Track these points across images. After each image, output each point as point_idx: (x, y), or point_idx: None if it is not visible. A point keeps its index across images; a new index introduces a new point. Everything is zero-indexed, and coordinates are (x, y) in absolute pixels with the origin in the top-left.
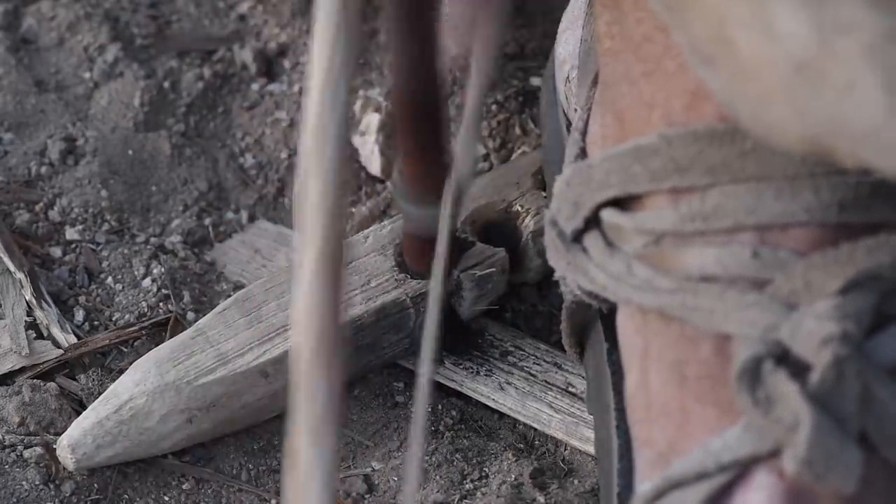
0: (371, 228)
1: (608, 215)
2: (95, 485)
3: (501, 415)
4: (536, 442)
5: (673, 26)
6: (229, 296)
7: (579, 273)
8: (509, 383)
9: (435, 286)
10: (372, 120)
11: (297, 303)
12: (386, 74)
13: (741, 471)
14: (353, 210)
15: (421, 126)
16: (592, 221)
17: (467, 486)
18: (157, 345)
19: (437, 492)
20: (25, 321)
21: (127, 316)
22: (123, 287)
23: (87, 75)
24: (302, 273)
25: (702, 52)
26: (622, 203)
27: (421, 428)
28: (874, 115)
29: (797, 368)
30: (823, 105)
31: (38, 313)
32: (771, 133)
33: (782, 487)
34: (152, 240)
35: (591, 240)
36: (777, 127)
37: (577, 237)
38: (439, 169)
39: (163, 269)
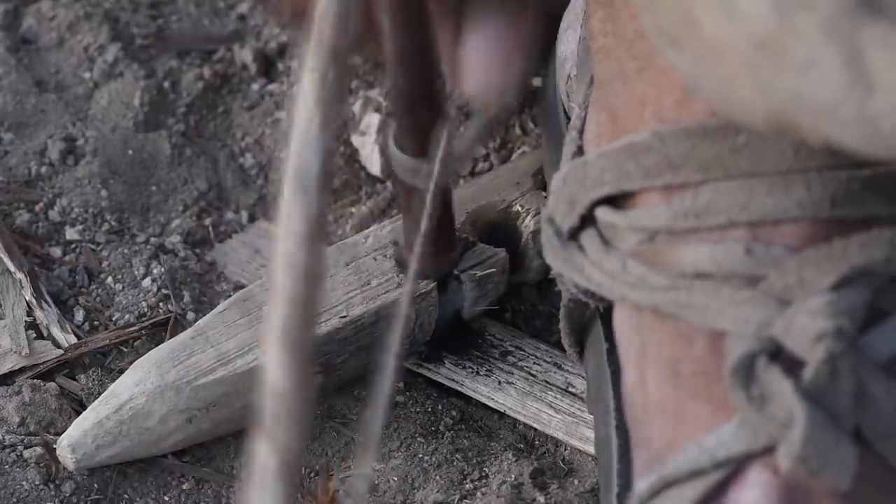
0: (371, 228)
1: (603, 213)
2: (95, 485)
3: (501, 415)
4: (536, 442)
5: (641, 9)
6: (229, 296)
7: (575, 271)
8: (509, 383)
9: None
10: (372, 120)
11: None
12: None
13: (736, 468)
14: (353, 210)
15: (415, 75)
16: (588, 219)
17: (467, 486)
18: (157, 345)
19: (437, 492)
20: (25, 321)
21: (127, 316)
22: (123, 287)
23: (87, 75)
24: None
25: (668, 35)
26: (617, 200)
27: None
28: (834, 90)
29: (791, 365)
30: (785, 82)
31: (38, 313)
32: (736, 112)
33: (777, 484)
34: (152, 240)
35: (587, 238)
36: (742, 105)
37: (574, 235)
38: (432, 118)
39: (163, 269)
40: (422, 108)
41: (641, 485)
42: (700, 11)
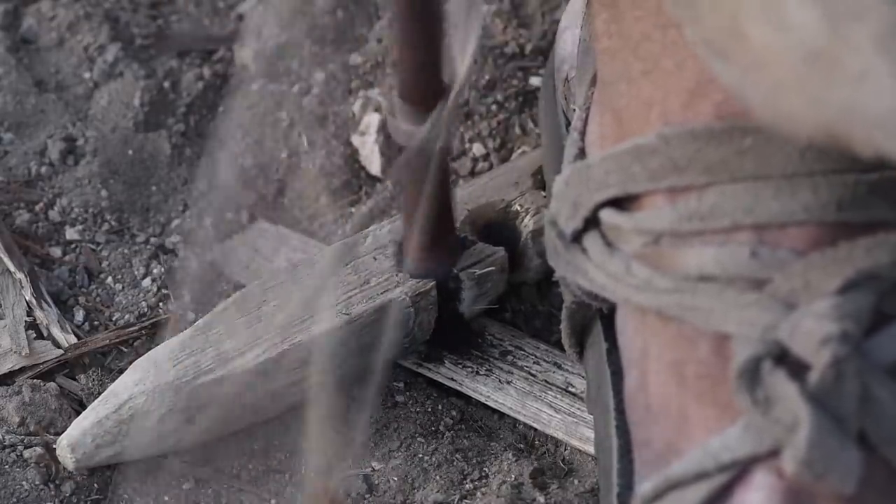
0: (371, 228)
1: (607, 215)
2: (95, 485)
3: (501, 415)
4: (536, 442)
5: (685, 21)
6: (229, 296)
7: (579, 273)
8: (509, 383)
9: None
10: (372, 120)
11: None
12: (386, 73)
13: (740, 471)
14: (353, 210)
15: (418, 34)
16: (592, 221)
17: (467, 486)
18: (157, 345)
19: (437, 492)
20: (25, 321)
21: (127, 316)
22: (123, 287)
23: (87, 75)
24: None
25: (714, 46)
26: (621, 203)
27: None
28: (888, 102)
29: (796, 368)
30: (837, 94)
31: (38, 313)
32: (786, 123)
33: (782, 487)
34: (152, 240)
35: (591, 240)
36: (791, 117)
37: (577, 237)
38: (434, 83)
39: (163, 269)
40: (426, 65)
41: (645, 486)
42: (748, 23)
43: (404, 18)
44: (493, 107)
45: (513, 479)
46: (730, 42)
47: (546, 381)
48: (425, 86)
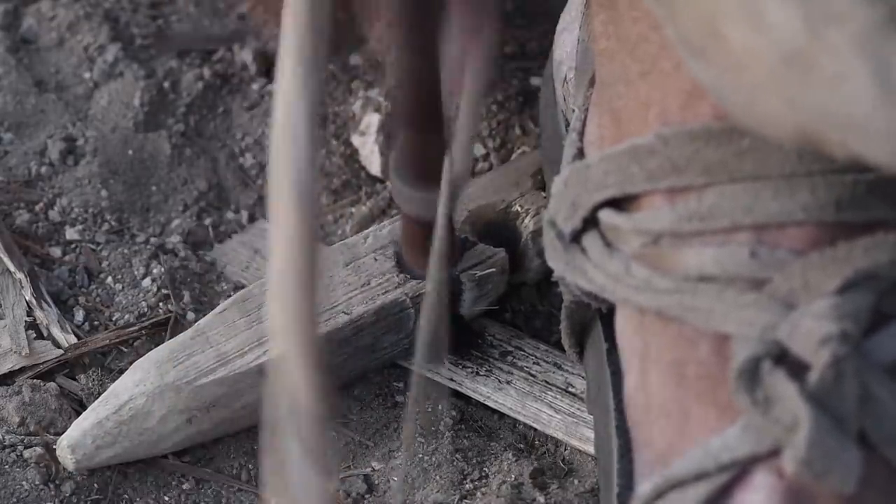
0: (371, 228)
1: (606, 216)
2: (95, 485)
3: (501, 415)
4: (536, 442)
5: (664, 20)
6: (229, 296)
7: (578, 274)
8: (509, 383)
9: (434, 272)
10: (372, 120)
11: (271, 314)
12: (385, 73)
13: (740, 471)
14: (353, 210)
15: (421, 108)
16: (591, 222)
17: (467, 486)
18: (157, 345)
19: (437, 492)
20: (25, 321)
21: (127, 316)
22: (123, 287)
23: (87, 75)
24: (274, 275)
25: (692, 46)
26: (620, 203)
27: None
28: (864, 104)
29: (796, 368)
30: (814, 95)
31: (38, 313)
32: (763, 124)
33: (782, 487)
34: (152, 240)
35: (590, 240)
36: (768, 118)
37: (576, 238)
38: (438, 151)
39: (163, 269)
40: (426, 135)
41: (645, 486)
42: (726, 23)
43: (406, 96)
44: (493, 107)
45: (513, 479)
46: (707, 42)
47: (546, 382)
48: (426, 156)
